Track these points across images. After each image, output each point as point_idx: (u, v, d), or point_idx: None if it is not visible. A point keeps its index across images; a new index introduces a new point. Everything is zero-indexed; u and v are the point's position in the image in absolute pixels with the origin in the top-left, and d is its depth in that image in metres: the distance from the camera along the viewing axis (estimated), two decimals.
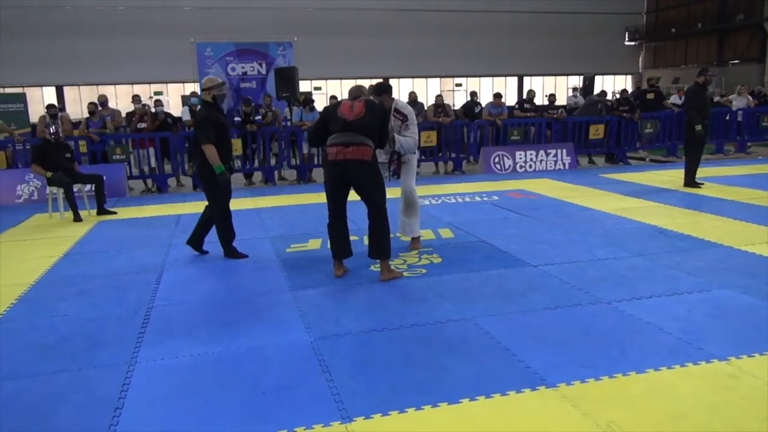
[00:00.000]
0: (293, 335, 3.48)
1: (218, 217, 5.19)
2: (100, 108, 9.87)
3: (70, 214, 7.23)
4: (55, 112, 9.59)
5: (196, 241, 5.38)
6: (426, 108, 11.18)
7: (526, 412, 2.58)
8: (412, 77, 25.93)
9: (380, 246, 4.44)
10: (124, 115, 10.53)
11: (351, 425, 2.51)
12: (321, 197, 8.40)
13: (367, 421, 2.53)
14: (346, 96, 4.64)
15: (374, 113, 4.35)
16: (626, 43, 30.85)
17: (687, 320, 3.52)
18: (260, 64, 13.62)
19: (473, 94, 12.06)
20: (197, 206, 7.88)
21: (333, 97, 11.88)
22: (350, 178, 4.35)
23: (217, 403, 2.72)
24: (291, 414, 2.60)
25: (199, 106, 10.52)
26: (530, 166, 10.69)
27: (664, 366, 2.95)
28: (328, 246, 4.68)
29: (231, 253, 5.23)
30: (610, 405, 2.61)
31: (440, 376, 2.91)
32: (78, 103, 22.85)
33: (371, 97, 4.59)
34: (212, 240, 5.35)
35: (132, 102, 10.28)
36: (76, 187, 7.46)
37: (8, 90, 18.26)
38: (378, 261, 4.57)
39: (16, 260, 5.43)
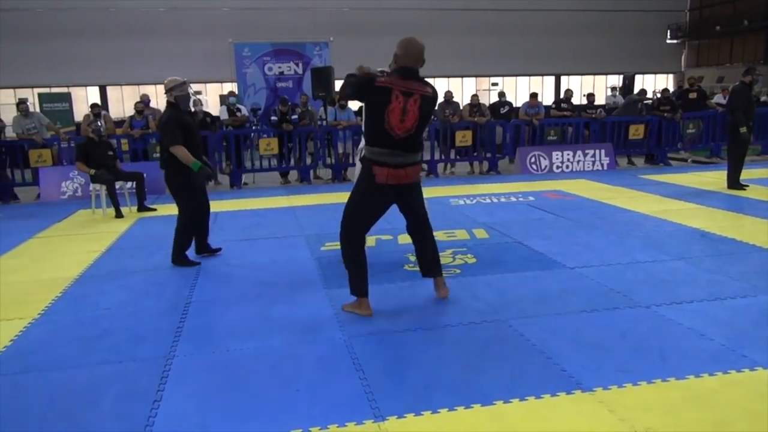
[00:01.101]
0: (327, 333, 3.51)
1: (181, 221, 5.02)
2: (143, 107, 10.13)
3: (112, 211, 7.43)
4: (98, 111, 9.87)
5: (202, 247, 5.31)
6: (461, 107, 11.13)
7: (560, 416, 2.55)
8: (448, 77, 25.80)
9: (437, 261, 3.93)
10: None
11: (384, 424, 2.51)
12: None
13: (400, 421, 2.54)
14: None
15: (428, 116, 3.53)
16: (668, 41, 30.06)
17: (730, 326, 3.42)
18: (297, 64, 13.75)
19: (501, 94, 11.91)
20: (234, 204, 8.02)
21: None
22: (399, 199, 3.73)
23: (252, 399, 2.76)
24: (325, 411, 2.62)
25: (237, 105, 10.79)
26: (567, 167, 10.53)
27: (705, 373, 2.87)
28: (350, 276, 3.77)
29: (179, 260, 5.01)
30: (648, 411, 2.55)
31: (474, 378, 2.89)
32: (120, 102, 23.44)
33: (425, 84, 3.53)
34: (244, 238, 5.43)
35: None
36: (117, 185, 7.65)
37: (54, 90, 18.86)
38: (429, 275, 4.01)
39: (61, 254, 5.60)
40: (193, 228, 5.11)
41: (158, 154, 9.62)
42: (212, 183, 7.08)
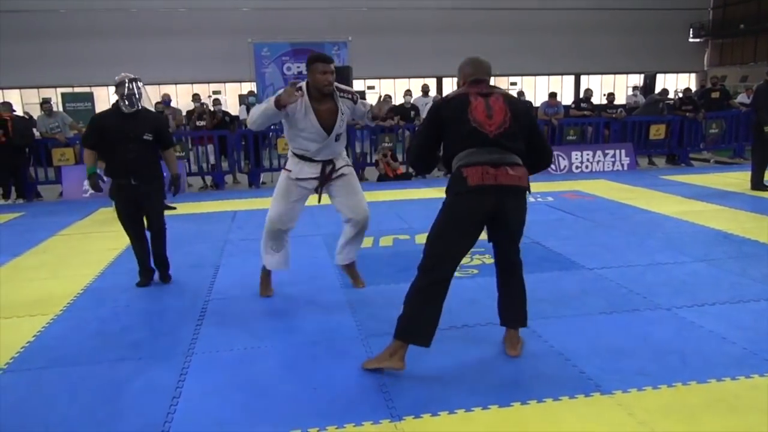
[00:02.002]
0: (345, 332, 3.51)
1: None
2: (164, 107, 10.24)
3: None
4: None
5: (159, 266, 4.66)
6: None
7: (579, 419, 2.53)
8: None
9: (524, 310, 3.17)
10: (184, 113, 10.88)
11: (400, 424, 2.51)
12: (373, 195, 8.50)
13: (417, 420, 2.53)
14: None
15: (521, 115, 2.97)
16: (690, 39, 29.64)
17: (753, 330, 3.36)
18: None
19: (520, 93, 11.80)
20: (253, 203, 8.07)
21: (387, 96, 11.87)
22: (497, 213, 2.88)
23: (270, 396, 2.78)
24: (342, 410, 2.63)
25: (257, 105, 10.84)
26: (587, 167, 10.43)
27: (727, 377, 2.82)
28: (405, 313, 2.91)
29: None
30: (668, 415, 2.52)
31: (491, 378, 2.88)
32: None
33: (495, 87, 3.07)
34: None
35: (192, 101, 10.62)
36: None
37: (77, 89, 19.14)
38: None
39: (83, 252, 5.68)
40: (132, 242, 4.57)
41: (177, 153, 9.84)
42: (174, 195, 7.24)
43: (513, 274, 3.13)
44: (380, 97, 11.52)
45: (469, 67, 3.11)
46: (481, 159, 2.83)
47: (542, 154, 3.10)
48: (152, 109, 4.67)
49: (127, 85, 4.27)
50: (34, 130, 9.82)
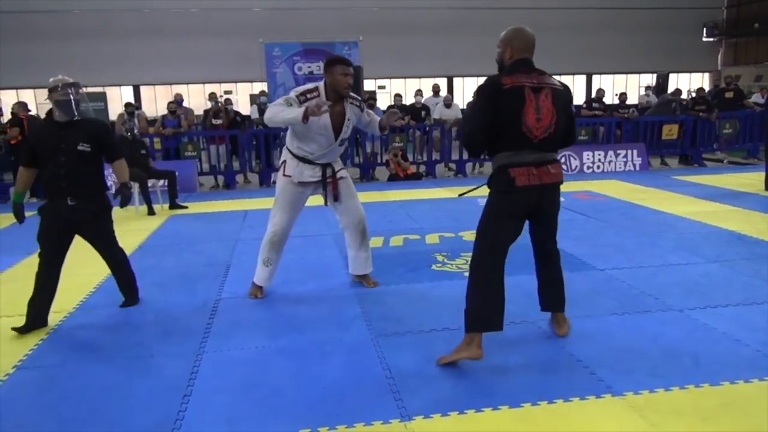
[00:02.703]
0: (355, 331, 3.52)
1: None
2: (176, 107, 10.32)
3: (144, 208, 7.57)
4: (132, 110, 10.07)
5: (128, 296, 4.15)
6: None
7: (590, 420, 2.51)
8: (477, 76, 25.64)
9: (562, 294, 3.37)
10: (199, 112, 10.95)
11: (410, 424, 2.51)
12: (384, 195, 8.51)
13: (427, 421, 2.53)
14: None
15: (564, 110, 3.06)
16: (704, 39, 29.38)
17: (767, 331, 3.32)
18: None
19: None
20: (264, 202, 8.09)
21: (397, 96, 11.87)
22: (538, 209, 3.08)
23: (280, 396, 2.79)
24: (351, 410, 2.63)
25: (268, 105, 10.88)
26: (598, 167, 10.37)
27: (740, 379, 2.80)
28: (472, 306, 3.04)
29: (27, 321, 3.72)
30: (680, 417, 2.50)
31: (501, 379, 2.87)
32: (153, 101, 23.85)
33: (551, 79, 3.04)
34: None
35: (209, 99, 10.69)
36: (150, 182, 7.79)
37: (90, 89, 19.29)
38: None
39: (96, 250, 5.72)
40: (39, 271, 3.85)
41: (189, 153, 9.93)
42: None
43: (551, 263, 3.33)
44: (390, 106, 11.54)
45: (519, 41, 3.05)
46: (525, 160, 2.97)
47: (569, 136, 3.21)
48: (93, 116, 4.09)
49: (62, 90, 3.64)
50: None
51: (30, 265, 5.26)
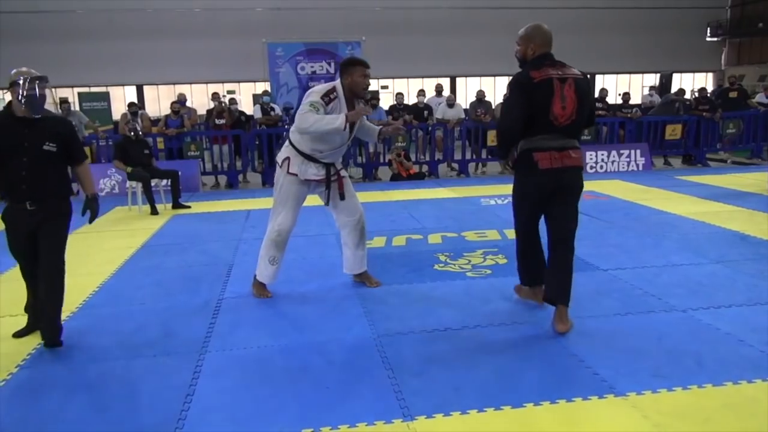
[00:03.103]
0: (357, 331, 3.52)
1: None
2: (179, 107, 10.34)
3: (147, 208, 7.59)
4: (135, 110, 10.08)
5: (44, 326, 3.44)
6: (494, 107, 11.04)
7: (592, 420, 2.51)
8: (480, 76, 25.62)
9: (568, 286, 3.39)
10: (202, 112, 10.98)
11: (413, 424, 2.51)
12: (387, 195, 8.51)
13: (429, 421, 2.53)
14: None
15: (585, 97, 3.33)
16: (708, 38, 29.31)
17: None
18: (329, 63, 13.79)
19: None
20: (266, 202, 8.09)
21: (399, 95, 11.88)
22: (558, 191, 3.34)
23: (283, 395, 2.79)
24: (354, 409, 2.63)
25: (271, 105, 10.91)
26: (601, 167, 10.36)
27: (743, 380, 2.79)
28: (521, 267, 3.77)
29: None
30: (683, 418, 2.49)
31: (504, 379, 2.87)
32: (156, 101, 23.90)
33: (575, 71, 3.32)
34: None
35: (212, 99, 10.72)
36: (153, 182, 7.80)
37: (93, 89, 19.35)
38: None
39: (99, 250, 5.74)
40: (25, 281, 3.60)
41: (192, 153, 9.94)
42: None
43: (564, 251, 3.41)
44: (392, 107, 11.56)
45: (540, 38, 3.39)
46: (549, 145, 3.26)
47: (590, 120, 3.50)
48: (58, 113, 3.66)
49: (29, 84, 3.27)
50: None
51: None
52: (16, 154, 3.29)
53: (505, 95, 4.60)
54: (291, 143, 3.99)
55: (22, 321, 3.70)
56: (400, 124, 4.15)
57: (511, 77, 3.42)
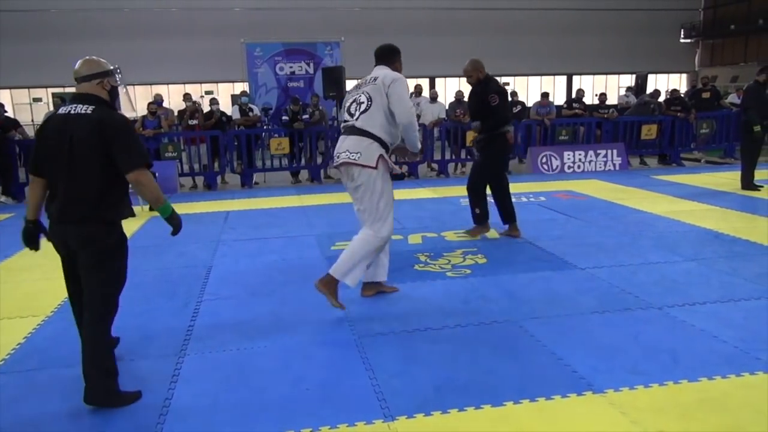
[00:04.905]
0: (337, 332, 3.51)
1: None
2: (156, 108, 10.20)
3: None
4: None
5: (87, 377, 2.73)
6: None
7: (571, 418, 2.54)
8: (459, 76, 25.75)
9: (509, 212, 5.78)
10: (176, 113, 10.86)
11: (393, 424, 2.51)
12: None
13: (410, 421, 2.53)
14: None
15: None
16: (682, 40, 29.81)
17: (744, 328, 3.38)
18: (308, 64, 13.77)
19: (513, 93, 11.78)
20: (245, 203, 8.05)
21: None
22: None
23: (262, 397, 2.77)
24: (334, 410, 2.62)
25: (249, 105, 10.82)
26: (579, 167, 10.47)
27: (718, 375, 2.84)
28: (506, 207, 5.77)
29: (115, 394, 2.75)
30: (660, 414, 2.53)
31: (484, 378, 2.88)
32: (133, 102, 23.59)
33: None
34: (255, 237, 5.41)
35: (183, 100, 10.59)
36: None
37: (68, 89, 19.01)
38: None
39: None
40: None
41: (170, 154, 9.82)
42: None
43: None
44: None
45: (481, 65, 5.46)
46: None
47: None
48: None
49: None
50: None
51: (7, 268, 5.19)
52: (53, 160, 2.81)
53: (492, 96, 5.34)
54: (376, 138, 3.64)
55: (9, 324, 3.63)
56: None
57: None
